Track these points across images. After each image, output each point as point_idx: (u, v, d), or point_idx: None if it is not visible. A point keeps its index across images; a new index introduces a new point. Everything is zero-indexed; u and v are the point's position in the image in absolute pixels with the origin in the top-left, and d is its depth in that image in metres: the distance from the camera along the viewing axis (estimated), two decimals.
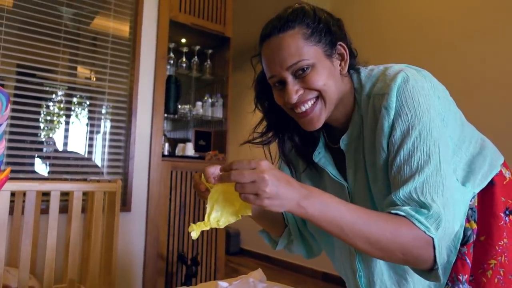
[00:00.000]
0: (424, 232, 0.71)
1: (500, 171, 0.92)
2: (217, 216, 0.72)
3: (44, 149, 2.48)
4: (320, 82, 0.83)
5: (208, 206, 0.72)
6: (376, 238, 0.70)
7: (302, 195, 0.69)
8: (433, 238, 0.71)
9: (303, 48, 0.81)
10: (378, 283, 0.92)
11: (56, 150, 2.51)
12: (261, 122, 1.00)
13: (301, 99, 0.85)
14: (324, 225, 0.70)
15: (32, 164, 2.39)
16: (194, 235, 0.71)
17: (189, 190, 2.80)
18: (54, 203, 1.67)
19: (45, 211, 1.98)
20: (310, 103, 0.85)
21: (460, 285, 0.86)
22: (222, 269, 2.91)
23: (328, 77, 0.84)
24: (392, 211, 0.74)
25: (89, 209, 2.10)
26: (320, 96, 0.85)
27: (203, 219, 0.72)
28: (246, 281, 1.10)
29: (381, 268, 0.91)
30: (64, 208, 2.01)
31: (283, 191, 0.66)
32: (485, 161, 0.90)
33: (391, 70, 0.86)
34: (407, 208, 0.73)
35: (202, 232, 2.99)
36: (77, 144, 2.59)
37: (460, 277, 0.86)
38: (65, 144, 2.55)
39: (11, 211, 1.95)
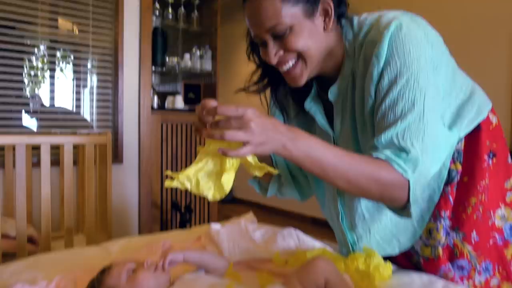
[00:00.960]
0: (402, 174, 0.75)
1: (488, 117, 0.95)
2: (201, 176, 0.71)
3: (31, 104, 2.44)
4: (299, 44, 0.83)
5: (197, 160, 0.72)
6: (356, 179, 0.75)
7: (288, 137, 0.71)
8: (409, 181, 0.75)
9: (280, 11, 0.80)
10: (360, 225, 0.97)
11: (42, 105, 2.46)
12: (256, 70, 1.00)
13: (281, 59, 0.86)
14: (308, 167, 0.74)
15: (20, 119, 2.35)
16: (169, 184, 0.70)
17: (180, 142, 2.81)
18: (45, 157, 1.67)
19: (36, 164, 1.99)
20: (291, 63, 0.86)
21: (442, 221, 0.91)
22: (215, 216, 3.02)
23: (309, 37, 0.84)
24: (373, 154, 0.78)
25: (81, 162, 2.12)
26: (301, 56, 0.85)
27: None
28: (238, 223, 1.15)
29: (361, 210, 0.96)
30: (56, 161, 2.02)
31: (269, 136, 0.69)
32: (473, 107, 0.92)
33: (385, 18, 0.85)
34: (387, 151, 0.77)
35: None
36: (64, 99, 2.54)
37: (442, 213, 0.91)
38: (52, 98, 2.51)
39: (2, 165, 1.95)
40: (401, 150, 0.76)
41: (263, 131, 0.68)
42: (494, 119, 0.96)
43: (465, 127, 0.90)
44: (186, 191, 2.83)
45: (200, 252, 0.91)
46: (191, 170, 0.71)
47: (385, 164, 0.76)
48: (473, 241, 0.93)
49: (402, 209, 0.82)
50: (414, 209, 0.93)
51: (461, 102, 0.91)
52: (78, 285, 0.91)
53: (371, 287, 0.79)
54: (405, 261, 1.03)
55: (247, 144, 0.67)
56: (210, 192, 0.72)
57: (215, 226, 1.14)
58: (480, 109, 0.93)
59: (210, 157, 0.72)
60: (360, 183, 0.75)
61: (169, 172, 0.72)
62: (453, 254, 0.94)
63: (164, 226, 2.75)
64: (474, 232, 0.93)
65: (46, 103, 2.48)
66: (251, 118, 0.67)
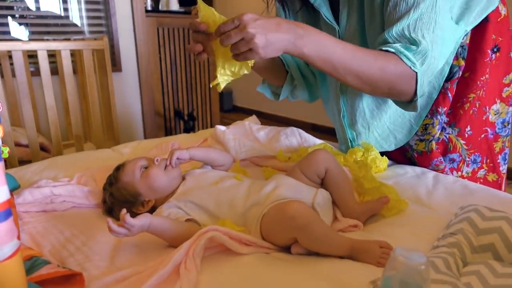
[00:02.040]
0: (410, 67, 0.76)
1: (497, 7, 0.91)
2: (225, 73, 0.75)
3: (15, 7, 2.30)
4: None
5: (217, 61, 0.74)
6: (366, 75, 0.76)
7: (297, 35, 0.71)
8: (417, 73, 0.76)
9: None
10: (360, 121, 1.01)
11: (28, 9, 2.32)
12: None
13: None
14: (319, 64, 0.74)
15: (7, 26, 2.25)
16: (222, 83, 0.75)
17: (178, 48, 2.73)
18: (44, 64, 1.64)
19: (36, 73, 1.97)
20: None
21: (439, 116, 0.95)
22: (218, 123, 3.09)
23: None
24: (383, 48, 0.77)
25: (80, 71, 2.09)
26: None
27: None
28: (242, 124, 1.19)
29: (363, 107, 0.98)
30: (54, 71, 1.99)
31: (273, 36, 0.68)
32: None
33: None
34: (397, 45, 0.76)
35: (196, 89, 3.03)
36: (50, 2, 2.38)
37: (440, 109, 0.94)
38: (37, 1, 2.35)
39: (1, 74, 1.93)
40: (411, 43, 0.76)
41: (264, 31, 0.67)
42: (503, 10, 0.93)
43: (473, 20, 0.88)
44: (187, 100, 2.86)
45: (206, 149, 0.96)
46: (220, 70, 0.74)
47: (394, 57, 0.76)
48: (466, 136, 0.97)
49: (408, 102, 0.84)
50: (421, 102, 0.95)
51: None
52: (97, 181, 0.99)
53: (368, 176, 0.85)
54: (400, 156, 1.10)
55: (253, 49, 0.67)
56: (243, 69, 0.75)
57: (221, 128, 1.18)
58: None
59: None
60: (369, 78, 0.76)
61: (213, 83, 0.75)
62: (447, 149, 0.99)
63: (169, 134, 2.84)
64: (469, 127, 0.97)
65: (32, 6, 2.34)
66: (247, 23, 0.66)
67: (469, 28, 0.89)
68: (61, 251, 0.70)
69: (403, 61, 0.75)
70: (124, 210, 0.65)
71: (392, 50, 0.76)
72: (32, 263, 0.58)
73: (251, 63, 0.74)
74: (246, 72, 0.75)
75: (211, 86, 0.76)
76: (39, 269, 0.56)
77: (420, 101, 0.82)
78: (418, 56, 0.76)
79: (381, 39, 0.80)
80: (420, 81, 0.77)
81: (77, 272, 0.58)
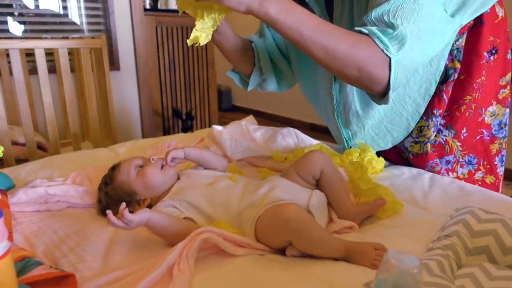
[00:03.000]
0: (383, 50, 0.71)
1: (494, 9, 0.90)
2: (204, 23, 0.74)
3: (14, 5, 2.29)
4: None
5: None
6: (333, 48, 0.71)
7: None
8: (390, 58, 0.72)
9: None
10: (354, 121, 1.00)
11: (27, 7, 2.31)
12: None
13: None
14: (285, 30, 0.71)
15: (6, 24, 2.24)
16: (203, 39, 0.74)
17: (176, 47, 2.73)
18: (41, 62, 1.64)
19: (33, 71, 1.96)
20: None
21: (434, 118, 0.94)
22: (216, 123, 3.08)
23: None
24: (356, 29, 0.74)
25: (78, 69, 2.08)
26: None
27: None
28: (239, 124, 1.19)
29: (355, 108, 0.98)
30: (52, 69, 1.98)
31: None
32: None
33: None
34: (372, 27, 0.73)
35: (194, 88, 3.00)
36: (49, 0, 2.37)
37: (435, 112, 0.94)
38: None
39: None
40: (388, 26, 0.72)
41: None
42: (500, 12, 0.92)
43: (468, 15, 0.85)
44: (186, 99, 2.85)
45: (200, 149, 0.95)
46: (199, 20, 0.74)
47: (367, 38, 0.72)
48: (462, 137, 0.97)
49: (381, 96, 0.79)
50: (409, 103, 0.93)
51: None
52: (92, 181, 0.98)
53: (364, 178, 0.85)
54: (396, 157, 1.10)
55: None
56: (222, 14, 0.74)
57: (218, 128, 1.18)
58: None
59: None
60: (337, 52, 0.71)
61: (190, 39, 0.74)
62: (443, 151, 0.99)
63: (167, 133, 2.83)
64: (465, 129, 0.97)
65: (31, 4, 2.34)
66: None
67: (464, 22, 0.85)
68: (54, 252, 0.69)
69: (375, 42, 0.71)
70: (123, 205, 0.65)
71: (366, 31, 0.72)
72: (24, 264, 0.58)
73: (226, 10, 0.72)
74: (223, 15, 0.74)
75: (188, 43, 0.74)
76: (31, 270, 0.56)
77: (401, 102, 0.78)
78: (394, 41, 0.71)
79: (360, 23, 0.77)
80: (394, 70, 0.72)
81: (70, 273, 0.58)
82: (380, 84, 0.74)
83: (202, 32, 0.73)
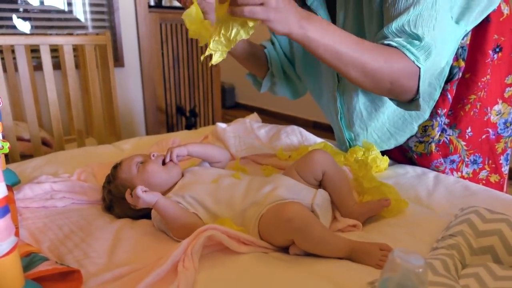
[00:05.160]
0: (414, 62, 0.74)
1: (499, 6, 0.90)
2: (228, 33, 0.67)
3: (19, 1, 2.30)
4: None
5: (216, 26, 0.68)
6: (370, 65, 0.73)
7: (303, 15, 0.69)
8: (420, 68, 0.74)
9: None
10: (357, 123, 1.00)
11: (26, 3, 2.32)
12: None
13: None
14: (321, 51, 0.71)
15: (11, 20, 2.25)
16: (217, 58, 0.69)
17: (181, 44, 2.73)
18: (46, 58, 1.64)
19: (38, 68, 1.97)
20: None
21: (438, 118, 0.94)
22: (219, 120, 3.08)
23: None
24: (385, 42, 0.75)
25: (82, 66, 2.09)
26: None
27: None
28: (243, 122, 1.19)
29: (359, 109, 0.97)
30: (57, 65, 1.99)
31: (286, 6, 0.65)
32: None
33: None
34: (400, 39, 0.75)
35: (198, 85, 3.00)
36: None
37: (439, 111, 0.93)
38: None
39: (4, 68, 1.93)
40: (413, 37, 0.74)
41: (280, 8, 0.64)
42: (505, 10, 0.91)
43: (473, 20, 0.86)
44: (190, 96, 2.85)
45: (203, 145, 0.95)
46: (215, 37, 0.68)
47: (397, 51, 0.74)
48: (467, 137, 0.97)
49: (410, 102, 0.82)
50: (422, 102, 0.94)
51: None
52: (97, 177, 0.99)
53: (368, 176, 0.85)
54: (400, 156, 1.09)
55: (265, 22, 0.64)
56: (241, 33, 0.67)
57: (222, 125, 1.18)
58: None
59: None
60: (373, 69, 0.73)
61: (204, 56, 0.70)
62: (448, 151, 0.98)
63: (171, 130, 2.84)
64: (469, 129, 0.96)
65: (36, 1, 2.34)
66: None
67: (470, 27, 0.87)
68: (60, 248, 0.70)
69: (406, 55, 0.73)
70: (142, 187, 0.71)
71: (395, 44, 0.74)
72: (30, 260, 0.58)
73: (252, 25, 0.66)
74: (243, 36, 0.67)
75: (201, 59, 0.70)
76: (37, 265, 0.56)
77: (420, 101, 0.81)
78: (421, 51, 0.74)
79: (380, 35, 0.78)
80: (422, 78, 0.75)
81: (75, 269, 0.59)
82: (410, 93, 0.79)
83: (216, 51, 0.69)
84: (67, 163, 1.10)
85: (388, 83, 0.76)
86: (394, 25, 0.75)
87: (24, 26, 2.30)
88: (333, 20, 0.95)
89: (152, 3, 2.67)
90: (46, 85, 1.66)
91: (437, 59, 0.76)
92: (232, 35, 0.67)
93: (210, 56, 0.69)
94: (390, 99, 0.87)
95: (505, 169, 1.02)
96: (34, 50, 2.09)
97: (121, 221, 0.80)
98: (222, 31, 0.67)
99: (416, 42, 0.74)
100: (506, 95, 0.97)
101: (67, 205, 0.87)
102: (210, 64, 0.72)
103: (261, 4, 0.63)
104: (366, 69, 0.73)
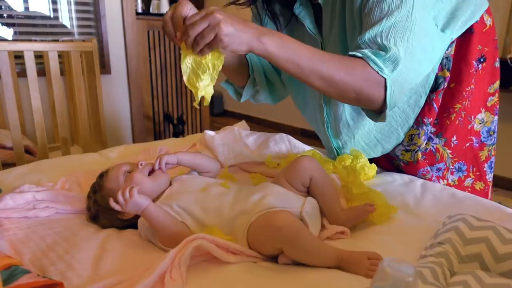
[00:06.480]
0: (377, 72, 0.73)
1: (482, 18, 0.92)
2: (205, 81, 0.74)
3: (3, 7, 2.26)
4: None
5: (187, 72, 0.74)
6: (330, 75, 0.73)
7: (262, 32, 0.71)
8: (385, 79, 0.74)
9: None
10: (344, 132, 1.01)
11: (10, 8, 2.29)
12: None
13: None
14: (283, 63, 0.73)
15: None
16: (207, 94, 0.75)
17: (168, 51, 2.72)
18: (30, 65, 1.61)
19: (22, 74, 1.93)
20: None
21: (424, 127, 0.95)
22: (207, 127, 3.07)
23: None
24: (350, 53, 0.76)
25: (68, 73, 2.06)
26: None
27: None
28: (232, 129, 1.18)
29: (345, 118, 0.98)
30: (42, 72, 1.96)
31: (241, 28, 0.68)
32: (469, 8, 0.89)
33: None
34: (365, 50, 0.75)
35: (185, 92, 3.01)
36: (39, 2, 2.35)
37: (425, 120, 0.95)
38: (26, 1, 2.32)
39: None
40: (381, 49, 0.74)
41: (231, 21, 0.67)
42: (488, 21, 0.94)
43: (458, 28, 0.88)
44: (177, 103, 2.84)
45: (193, 154, 0.94)
46: (199, 81, 0.74)
47: (361, 61, 0.74)
48: (452, 145, 0.98)
49: (378, 113, 0.81)
50: (398, 113, 0.95)
51: (456, 3, 0.88)
52: (82, 186, 0.97)
53: (357, 182, 0.85)
54: (388, 164, 1.10)
55: (218, 35, 0.67)
56: (218, 63, 0.74)
57: (210, 133, 1.17)
58: (476, 9, 0.90)
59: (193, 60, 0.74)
60: (334, 80, 0.74)
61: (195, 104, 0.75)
62: (434, 159, 1.00)
63: (158, 138, 2.81)
64: (455, 137, 0.98)
65: (20, 6, 2.31)
66: (214, 10, 0.67)
67: (455, 35, 0.89)
68: (42, 259, 0.68)
69: (369, 65, 0.73)
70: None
71: (360, 54, 0.75)
72: (10, 273, 0.56)
73: (221, 55, 0.73)
74: (220, 65, 0.74)
75: (195, 106, 0.75)
76: (17, 279, 0.54)
77: (390, 113, 0.81)
78: (387, 62, 0.74)
79: (355, 44, 0.79)
80: (390, 89, 0.75)
81: (58, 282, 0.57)
82: (377, 103, 0.78)
83: (204, 91, 0.74)
84: (51, 172, 1.07)
85: (353, 93, 0.76)
86: (367, 36, 0.76)
87: (7, 32, 2.27)
88: (320, 30, 0.95)
89: (139, 10, 2.67)
90: (30, 92, 1.62)
91: (406, 71, 0.75)
92: (212, 70, 0.73)
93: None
94: (362, 109, 0.87)
95: (489, 177, 1.04)
96: (18, 56, 2.06)
97: (106, 231, 0.78)
98: (200, 72, 0.73)
99: (382, 53, 0.74)
100: (489, 104, 0.99)
101: (50, 215, 0.85)
102: (205, 104, 0.76)
103: (214, 37, 0.67)
104: (327, 79, 0.74)
